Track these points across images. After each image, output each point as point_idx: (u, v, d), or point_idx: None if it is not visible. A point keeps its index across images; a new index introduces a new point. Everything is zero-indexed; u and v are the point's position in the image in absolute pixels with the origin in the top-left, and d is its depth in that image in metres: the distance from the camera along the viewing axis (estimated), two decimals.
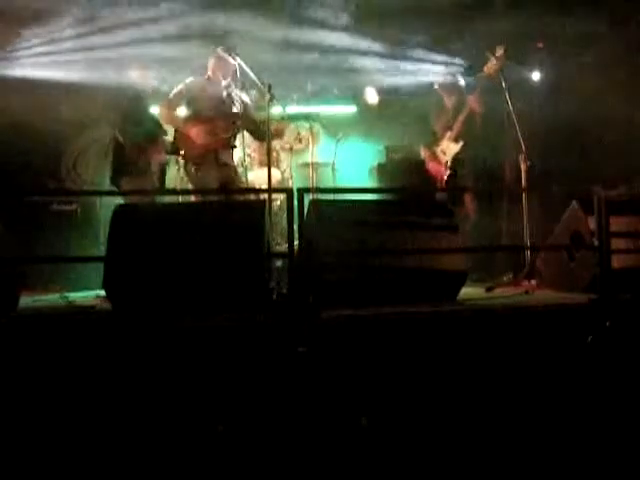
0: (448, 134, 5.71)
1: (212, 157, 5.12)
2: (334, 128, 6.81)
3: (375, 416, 3.05)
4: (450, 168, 5.71)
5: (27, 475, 2.83)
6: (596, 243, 3.84)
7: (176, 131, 5.22)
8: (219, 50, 5.17)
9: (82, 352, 3.04)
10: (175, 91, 5.23)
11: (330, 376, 3.08)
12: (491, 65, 5.33)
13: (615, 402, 3.20)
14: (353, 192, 5.60)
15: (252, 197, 5.54)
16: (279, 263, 4.48)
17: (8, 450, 2.84)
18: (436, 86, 6.01)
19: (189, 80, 5.24)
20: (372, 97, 7.27)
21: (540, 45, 5.43)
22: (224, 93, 5.29)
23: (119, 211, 3.83)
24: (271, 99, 5.05)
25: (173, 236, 3.70)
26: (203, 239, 3.68)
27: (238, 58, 5.15)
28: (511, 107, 5.11)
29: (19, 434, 2.88)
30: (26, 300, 4.07)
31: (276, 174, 6.03)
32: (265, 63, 5.70)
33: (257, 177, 6.01)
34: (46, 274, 5.03)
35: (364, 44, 6.59)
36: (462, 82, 5.90)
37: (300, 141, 6.31)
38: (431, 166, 5.88)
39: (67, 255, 5.14)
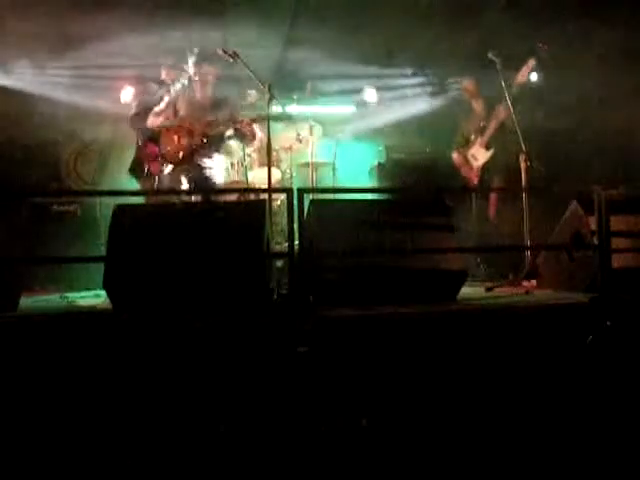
0: (479, 139, 5.68)
1: (188, 157, 5.30)
2: (334, 128, 6.81)
3: (375, 416, 3.05)
4: (480, 175, 5.70)
5: (28, 475, 2.83)
6: (596, 243, 3.85)
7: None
8: (218, 50, 5.16)
9: (82, 352, 3.04)
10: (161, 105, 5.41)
11: (330, 376, 3.08)
12: (523, 74, 5.33)
13: (615, 402, 3.20)
14: (353, 192, 5.60)
15: (252, 197, 5.55)
16: (279, 263, 4.48)
17: (8, 450, 2.85)
18: (465, 83, 5.95)
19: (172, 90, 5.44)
20: (371, 97, 7.28)
21: (540, 45, 5.42)
22: (207, 96, 5.43)
23: (119, 211, 3.83)
24: (271, 99, 5.05)
25: (173, 236, 3.70)
26: (203, 239, 3.69)
27: (238, 59, 5.14)
28: (512, 107, 5.11)
29: (19, 435, 2.89)
30: (26, 300, 4.07)
31: (276, 174, 6.02)
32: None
33: (257, 177, 6.01)
34: (46, 274, 5.03)
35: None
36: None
37: (300, 141, 6.30)
38: (463, 171, 5.86)
39: (67, 255, 5.14)
